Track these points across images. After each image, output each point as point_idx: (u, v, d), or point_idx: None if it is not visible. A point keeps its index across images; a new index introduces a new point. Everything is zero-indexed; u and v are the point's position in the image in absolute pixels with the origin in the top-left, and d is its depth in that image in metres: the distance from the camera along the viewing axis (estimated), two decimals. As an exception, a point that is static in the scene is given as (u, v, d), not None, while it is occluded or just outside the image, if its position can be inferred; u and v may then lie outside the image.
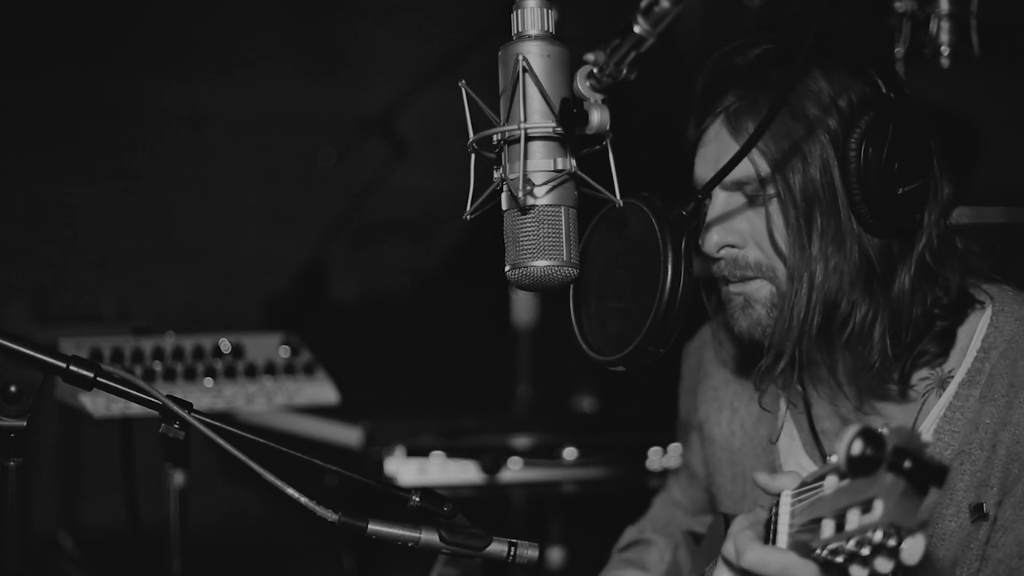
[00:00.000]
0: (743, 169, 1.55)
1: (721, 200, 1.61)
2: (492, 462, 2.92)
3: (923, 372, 1.63)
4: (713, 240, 1.61)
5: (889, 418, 1.65)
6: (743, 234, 1.60)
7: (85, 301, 4.02)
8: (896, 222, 1.55)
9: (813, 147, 1.54)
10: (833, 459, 1.26)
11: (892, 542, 1.11)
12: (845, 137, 1.53)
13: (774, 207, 1.57)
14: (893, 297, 1.57)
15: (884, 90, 1.55)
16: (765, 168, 1.56)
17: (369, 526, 1.43)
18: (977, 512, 1.57)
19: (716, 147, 1.61)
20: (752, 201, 1.59)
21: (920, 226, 1.58)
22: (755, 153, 1.55)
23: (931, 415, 1.62)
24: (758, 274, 1.60)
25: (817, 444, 1.74)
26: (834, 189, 1.54)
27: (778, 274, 1.58)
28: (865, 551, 1.14)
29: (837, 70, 1.56)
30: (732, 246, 1.61)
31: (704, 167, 1.63)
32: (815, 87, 1.56)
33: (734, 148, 1.55)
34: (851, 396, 1.65)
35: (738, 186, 1.59)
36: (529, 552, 1.48)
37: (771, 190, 1.57)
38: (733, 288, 1.64)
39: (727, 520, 1.67)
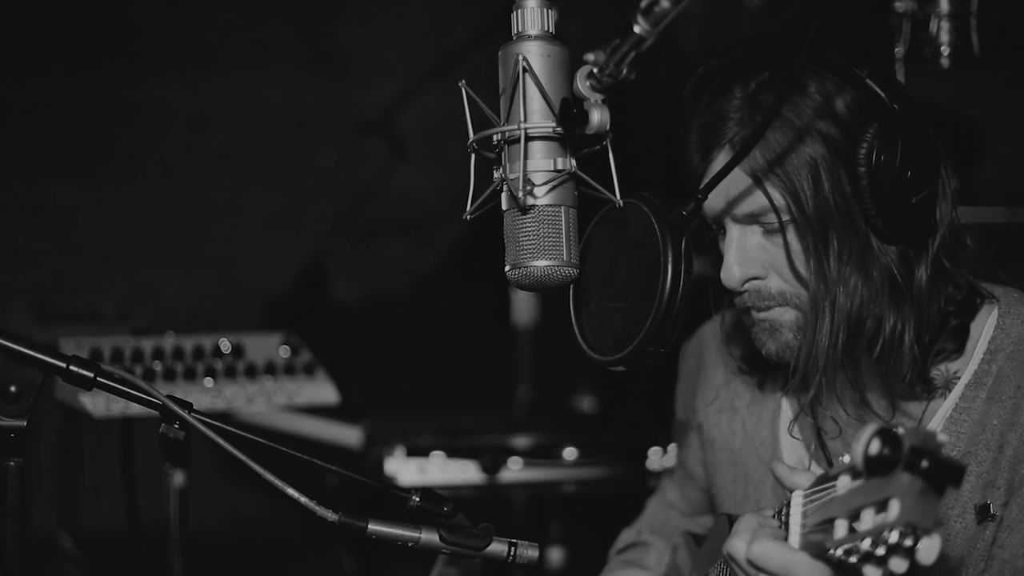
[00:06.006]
0: (756, 201, 1.55)
1: (736, 233, 1.60)
2: (492, 462, 2.92)
3: (940, 368, 1.63)
4: (735, 276, 1.60)
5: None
6: (763, 264, 1.59)
7: (85, 301, 4.02)
8: (913, 231, 1.55)
9: (822, 167, 1.53)
10: (845, 459, 1.26)
11: (908, 542, 1.12)
12: (854, 154, 1.52)
13: (791, 234, 1.56)
14: (914, 299, 1.57)
15: (888, 101, 1.53)
16: (777, 195, 1.55)
17: (369, 526, 1.43)
18: (983, 513, 1.57)
19: (726, 179, 1.59)
20: (768, 231, 1.58)
21: (934, 228, 1.58)
22: (766, 182, 1.54)
23: (937, 416, 1.62)
24: (782, 303, 1.59)
25: (821, 444, 1.74)
26: (848, 206, 1.53)
27: (802, 300, 1.58)
28: (880, 551, 1.14)
29: (838, 87, 1.55)
30: (755, 278, 1.60)
31: (715, 199, 1.60)
32: (816, 106, 1.54)
33: (743, 178, 1.55)
34: (881, 409, 1.65)
35: (752, 219, 1.58)
36: (529, 552, 1.48)
37: (786, 216, 1.55)
38: (757, 315, 1.63)
39: (731, 520, 1.66)
